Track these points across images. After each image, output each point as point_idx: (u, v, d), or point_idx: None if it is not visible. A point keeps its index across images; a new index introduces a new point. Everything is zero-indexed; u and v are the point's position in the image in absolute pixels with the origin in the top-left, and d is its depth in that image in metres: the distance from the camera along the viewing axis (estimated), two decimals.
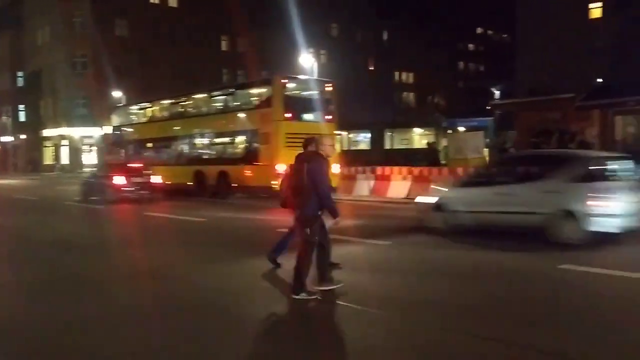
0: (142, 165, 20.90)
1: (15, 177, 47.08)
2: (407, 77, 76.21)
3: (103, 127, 44.66)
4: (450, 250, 9.59)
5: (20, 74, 60.35)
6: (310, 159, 6.51)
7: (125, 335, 5.51)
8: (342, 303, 6.46)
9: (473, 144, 24.69)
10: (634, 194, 9.47)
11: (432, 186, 13.63)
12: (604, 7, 41.14)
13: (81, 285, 7.57)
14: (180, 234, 12.76)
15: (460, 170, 17.50)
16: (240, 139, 20.79)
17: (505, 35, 75.77)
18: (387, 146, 37.93)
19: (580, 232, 9.08)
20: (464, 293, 6.82)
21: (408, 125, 41.36)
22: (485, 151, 23.49)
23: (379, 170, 20.30)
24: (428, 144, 31.94)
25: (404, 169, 19.67)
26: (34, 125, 57.35)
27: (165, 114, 25.79)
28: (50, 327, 5.74)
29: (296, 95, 20.14)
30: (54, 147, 56.68)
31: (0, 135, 62.22)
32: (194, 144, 23.07)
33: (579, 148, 16.43)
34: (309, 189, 6.33)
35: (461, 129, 37.63)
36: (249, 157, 19.93)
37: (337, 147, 20.86)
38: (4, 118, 62.76)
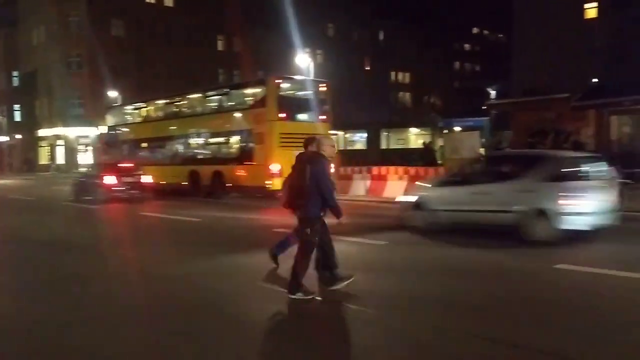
0: (132, 165, 21.11)
1: (11, 177, 46.93)
2: (404, 77, 76.27)
3: (99, 127, 44.54)
4: (447, 250, 9.59)
5: (15, 73, 60.21)
6: (313, 160, 6.52)
7: (124, 335, 5.51)
8: (338, 303, 6.48)
9: (469, 143, 24.66)
10: (604, 193, 9.78)
11: (418, 183, 13.86)
12: (599, 7, 41.17)
13: (80, 285, 7.54)
14: (177, 233, 12.72)
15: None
16: (234, 139, 20.78)
17: (501, 35, 75.92)
18: (384, 146, 37.92)
19: (552, 230, 9.35)
20: (461, 292, 6.81)
21: (404, 125, 41.33)
22: (482, 151, 23.44)
23: (375, 170, 20.27)
24: (424, 143, 31.90)
25: (400, 169, 19.65)
26: (30, 125, 57.20)
27: (160, 114, 25.74)
28: (50, 327, 5.74)
29: (290, 96, 20.15)
30: (49, 147, 56.54)
31: None
32: (189, 144, 23.04)
33: (572, 148, 16.50)
34: (311, 190, 6.36)
35: (457, 128, 37.63)
36: (244, 157, 19.94)
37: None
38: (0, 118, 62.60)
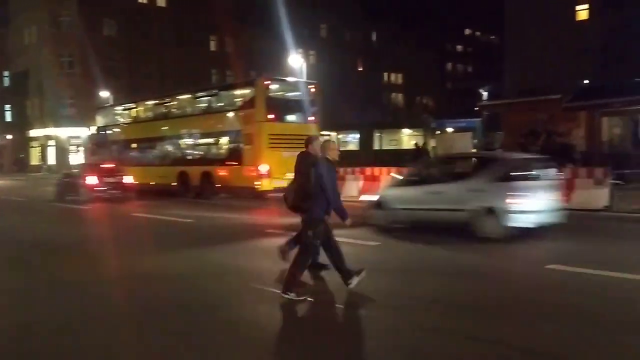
0: (114, 165, 21.64)
1: (1, 177, 46.60)
2: (396, 78, 76.35)
3: (90, 127, 44.29)
4: (440, 251, 9.60)
5: (6, 73, 59.84)
6: (317, 164, 6.64)
7: (120, 336, 5.54)
8: (331, 304, 6.56)
9: (461, 144, 24.73)
10: (549, 193, 10.26)
11: (392, 174, 14.23)
12: (591, 9, 41.27)
13: (78, 286, 7.53)
14: (167, 234, 12.66)
15: None
16: (223, 140, 20.73)
17: (494, 37, 76.04)
18: (376, 147, 37.92)
19: (501, 228, 9.81)
20: (455, 293, 6.82)
21: (397, 126, 41.34)
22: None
23: (368, 171, 20.19)
24: (416, 144, 31.90)
25: (393, 170, 19.55)
26: (21, 125, 56.84)
27: (150, 114, 25.61)
28: (49, 327, 5.77)
29: (279, 97, 20.11)
30: (40, 148, 56.21)
31: None
32: (178, 144, 22.94)
33: (561, 149, 16.71)
34: (316, 192, 6.49)
35: (449, 129, 37.73)
36: (233, 157, 19.88)
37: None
38: None
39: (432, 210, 10.86)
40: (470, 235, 9.91)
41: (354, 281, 6.69)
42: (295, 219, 7.80)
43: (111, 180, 20.38)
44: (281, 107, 19.58)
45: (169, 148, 23.24)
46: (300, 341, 5.45)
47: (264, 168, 18.30)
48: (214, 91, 23.39)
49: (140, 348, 5.17)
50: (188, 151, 22.52)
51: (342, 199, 6.91)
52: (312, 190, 6.51)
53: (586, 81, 31.98)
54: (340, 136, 37.41)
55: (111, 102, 38.60)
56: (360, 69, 70.39)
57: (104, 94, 45.06)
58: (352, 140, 38.71)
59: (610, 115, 22.90)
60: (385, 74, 74.67)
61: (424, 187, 11.25)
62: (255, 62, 50.88)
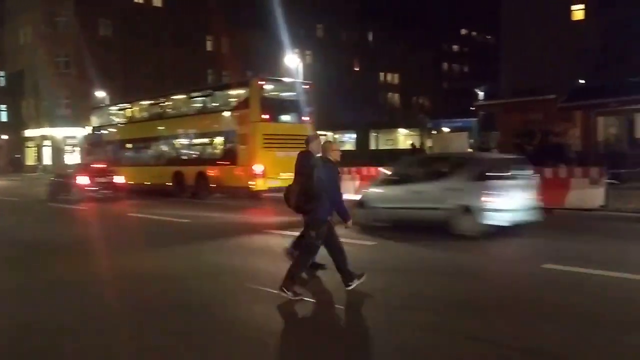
0: (105, 165, 22.00)
1: None
2: (392, 77, 76.30)
3: (86, 127, 44.17)
4: (436, 251, 9.57)
5: (1, 73, 59.52)
6: (321, 165, 6.65)
7: (118, 336, 5.53)
8: (328, 303, 6.56)
9: (457, 144, 24.67)
10: (524, 192, 10.49)
11: (380, 169, 14.32)
12: (586, 9, 41.30)
13: (78, 286, 7.52)
14: (165, 234, 12.62)
15: None
16: (218, 140, 20.71)
17: (489, 37, 76.10)
18: (373, 147, 37.96)
19: (477, 226, 10.05)
20: (454, 293, 6.81)
21: (393, 125, 41.44)
22: (470, 152, 23.47)
23: (364, 170, 20.17)
24: (412, 144, 31.96)
25: (390, 170, 19.54)
26: (16, 125, 56.62)
27: (145, 114, 25.57)
28: (49, 328, 5.77)
29: (274, 97, 20.11)
30: (36, 148, 56.04)
31: None
32: (173, 144, 22.93)
33: (556, 149, 16.78)
34: (319, 194, 6.50)
35: (445, 129, 37.78)
36: (228, 158, 19.86)
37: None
38: None
39: (412, 209, 11.11)
40: (447, 233, 10.12)
41: (354, 284, 6.69)
42: (290, 218, 7.78)
43: (102, 180, 20.71)
44: (276, 107, 19.60)
45: (164, 148, 23.21)
46: (297, 341, 5.45)
47: (258, 168, 18.32)
48: (209, 91, 23.38)
49: (140, 348, 5.16)
50: (183, 151, 22.49)
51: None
52: (315, 191, 6.53)
53: (582, 81, 32.04)
54: (336, 136, 37.44)
55: (107, 103, 38.51)
56: (357, 68, 70.33)
57: (100, 94, 44.94)
58: (348, 140, 38.77)
59: (605, 115, 22.91)
60: (382, 74, 74.59)
61: (405, 186, 11.49)
62: (252, 62, 50.80)
